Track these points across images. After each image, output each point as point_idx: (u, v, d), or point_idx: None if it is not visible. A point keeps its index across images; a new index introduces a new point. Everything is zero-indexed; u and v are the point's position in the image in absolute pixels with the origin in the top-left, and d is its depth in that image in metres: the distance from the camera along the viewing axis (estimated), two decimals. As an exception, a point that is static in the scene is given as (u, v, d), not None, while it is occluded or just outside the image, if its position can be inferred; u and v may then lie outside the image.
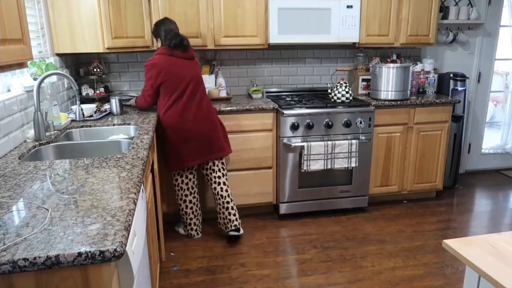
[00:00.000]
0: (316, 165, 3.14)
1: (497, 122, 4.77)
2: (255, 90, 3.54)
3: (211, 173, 2.87)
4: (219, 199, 2.87)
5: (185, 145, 2.72)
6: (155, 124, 2.52)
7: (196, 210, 2.95)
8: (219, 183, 2.87)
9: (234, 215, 2.88)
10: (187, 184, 2.87)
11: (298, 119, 3.11)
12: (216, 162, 2.87)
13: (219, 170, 2.88)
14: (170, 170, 2.84)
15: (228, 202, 2.86)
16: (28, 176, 1.54)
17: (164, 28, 2.71)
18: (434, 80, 3.75)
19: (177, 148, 2.73)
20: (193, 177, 2.89)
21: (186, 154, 2.73)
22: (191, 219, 2.95)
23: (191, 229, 2.98)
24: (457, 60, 4.12)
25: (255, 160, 3.19)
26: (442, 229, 3.16)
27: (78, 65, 3.30)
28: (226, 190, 2.87)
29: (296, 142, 3.14)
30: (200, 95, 2.75)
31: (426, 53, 4.00)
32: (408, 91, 3.41)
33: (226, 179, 2.90)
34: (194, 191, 2.91)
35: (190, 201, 2.90)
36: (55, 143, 2.13)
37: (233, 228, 2.88)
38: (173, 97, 2.67)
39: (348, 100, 3.30)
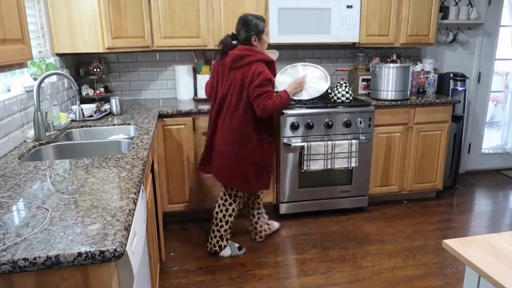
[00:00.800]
0: (316, 165, 3.14)
1: (497, 122, 4.77)
2: (255, 90, 3.53)
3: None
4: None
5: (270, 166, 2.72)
6: (155, 124, 2.52)
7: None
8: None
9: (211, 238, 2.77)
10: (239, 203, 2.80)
11: (298, 119, 3.11)
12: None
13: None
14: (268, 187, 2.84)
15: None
16: (28, 176, 1.54)
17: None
18: (434, 80, 3.76)
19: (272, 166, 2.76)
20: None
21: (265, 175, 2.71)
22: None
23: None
24: (457, 60, 4.12)
25: (255, 160, 3.19)
26: (442, 229, 3.16)
27: (78, 65, 3.30)
28: (216, 213, 2.73)
29: (296, 142, 3.14)
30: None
31: (426, 53, 4.00)
32: (408, 91, 3.41)
33: (222, 203, 2.72)
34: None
35: (235, 217, 2.78)
36: (55, 143, 2.13)
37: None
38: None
39: (348, 100, 3.30)
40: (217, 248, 2.75)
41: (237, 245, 2.81)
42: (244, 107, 2.43)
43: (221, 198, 2.72)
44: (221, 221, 2.70)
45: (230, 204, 2.69)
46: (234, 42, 2.48)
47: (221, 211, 2.70)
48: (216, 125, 2.55)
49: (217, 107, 2.53)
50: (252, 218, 2.92)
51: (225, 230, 2.72)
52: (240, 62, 2.39)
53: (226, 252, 2.77)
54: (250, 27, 2.44)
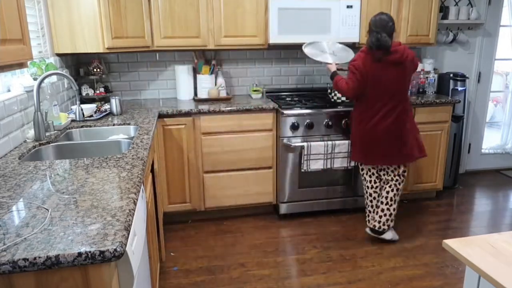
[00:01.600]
0: (316, 165, 3.14)
1: (497, 122, 4.77)
2: (255, 90, 3.54)
3: (384, 175, 2.93)
4: (377, 196, 2.94)
5: (367, 144, 2.81)
6: (155, 124, 2.52)
7: (375, 205, 2.96)
8: (389, 185, 2.90)
9: (380, 217, 2.88)
10: (370, 177, 2.94)
11: (298, 119, 3.11)
12: (391, 167, 2.87)
13: (392, 174, 2.88)
14: (352, 158, 3.00)
15: (381, 203, 2.90)
16: (28, 176, 1.54)
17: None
18: (434, 80, 3.75)
19: (361, 143, 2.85)
20: (377, 172, 2.94)
21: (365, 151, 2.84)
22: (369, 211, 2.99)
23: (368, 221, 3.00)
24: (457, 60, 4.12)
25: (255, 160, 3.19)
26: (442, 229, 3.16)
27: (78, 65, 3.30)
28: (387, 192, 2.86)
29: (296, 142, 3.14)
30: (394, 103, 2.72)
31: (426, 53, 4.00)
32: (408, 91, 3.40)
33: (394, 184, 2.86)
34: (376, 186, 2.94)
35: (370, 194, 2.95)
36: (55, 143, 2.13)
37: (371, 226, 2.93)
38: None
39: (348, 100, 3.30)
40: (385, 227, 2.87)
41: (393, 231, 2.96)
42: None
43: (398, 175, 2.85)
44: (391, 200, 2.84)
45: (400, 184, 2.86)
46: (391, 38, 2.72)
47: (393, 190, 2.84)
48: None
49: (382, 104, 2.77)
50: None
51: (394, 209, 2.87)
52: None
53: (389, 235, 2.91)
54: None
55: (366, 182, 2.97)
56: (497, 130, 4.68)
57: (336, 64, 3.03)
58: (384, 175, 2.91)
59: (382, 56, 2.61)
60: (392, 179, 2.87)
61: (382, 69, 2.65)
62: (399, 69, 2.66)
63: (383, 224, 2.88)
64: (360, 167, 3.01)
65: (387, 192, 2.87)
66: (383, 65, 2.64)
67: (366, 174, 2.96)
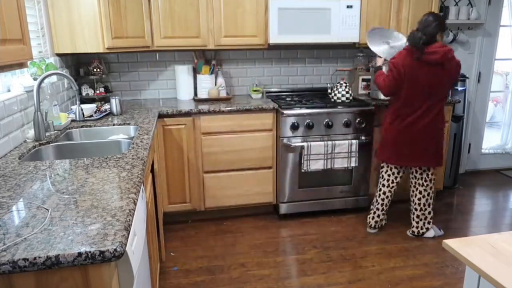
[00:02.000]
0: (316, 165, 3.14)
1: (497, 122, 4.77)
2: (255, 90, 3.54)
3: (412, 178, 2.96)
4: (390, 196, 3.00)
5: (400, 143, 2.82)
6: (155, 124, 2.52)
7: (385, 205, 3.00)
8: (419, 191, 2.93)
9: (417, 222, 2.97)
10: (389, 176, 2.96)
11: (298, 119, 3.11)
12: (420, 170, 2.90)
13: (421, 178, 2.91)
14: (378, 157, 3.02)
15: (415, 210, 2.96)
16: (28, 176, 1.54)
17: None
18: (434, 80, 3.75)
19: (393, 142, 2.85)
20: (398, 174, 2.95)
21: (396, 151, 2.84)
22: (377, 209, 3.01)
23: (372, 217, 3.04)
24: (457, 60, 4.12)
25: (255, 160, 3.19)
26: (442, 229, 3.15)
27: (78, 65, 3.30)
28: (419, 199, 2.91)
29: (296, 142, 3.14)
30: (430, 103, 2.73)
31: (426, 53, 4.00)
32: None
33: (424, 189, 2.90)
34: (392, 187, 2.96)
35: (384, 193, 2.97)
36: (55, 143, 2.13)
37: (409, 231, 3.03)
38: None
39: (348, 100, 3.30)
40: (424, 230, 2.95)
41: (436, 227, 3.03)
42: None
43: (425, 181, 2.89)
44: (424, 205, 2.91)
45: (431, 188, 2.91)
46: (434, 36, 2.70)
47: (424, 196, 2.90)
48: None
49: (418, 103, 2.77)
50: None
51: (429, 212, 2.94)
52: None
53: (430, 233, 2.98)
54: None
55: (383, 180, 2.98)
56: (497, 130, 4.68)
57: (385, 60, 3.02)
58: (412, 178, 2.94)
59: (420, 55, 2.62)
60: (422, 184, 2.89)
61: (420, 68, 2.65)
62: (437, 70, 2.64)
63: (421, 228, 2.96)
64: (381, 164, 3.02)
65: (419, 199, 2.92)
66: (421, 64, 2.65)
67: (386, 172, 2.97)
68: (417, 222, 2.96)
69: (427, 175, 2.88)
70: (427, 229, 2.96)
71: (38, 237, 1.05)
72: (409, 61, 2.66)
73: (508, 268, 1.09)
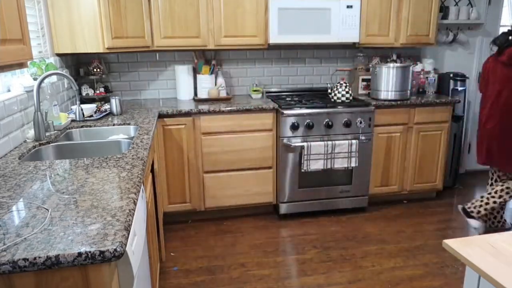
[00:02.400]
0: (316, 165, 3.14)
1: (497, 122, 4.76)
2: (255, 90, 3.54)
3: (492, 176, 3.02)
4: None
5: (478, 143, 2.91)
6: (155, 124, 2.52)
7: (486, 198, 2.93)
8: (501, 182, 2.91)
9: (477, 201, 2.93)
10: (492, 174, 3.01)
11: (298, 119, 3.11)
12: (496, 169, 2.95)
13: (497, 176, 2.96)
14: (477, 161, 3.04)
15: (487, 192, 2.93)
16: (28, 176, 1.54)
17: None
18: (434, 80, 3.75)
19: (477, 143, 2.95)
20: (495, 172, 2.99)
21: (478, 148, 2.92)
22: (477, 201, 2.95)
23: (474, 206, 2.96)
24: (457, 60, 4.12)
25: (255, 160, 3.19)
26: (442, 229, 3.16)
27: (78, 65, 3.30)
28: (497, 186, 2.87)
29: (296, 142, 3.14)
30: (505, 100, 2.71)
31: (426, 53, 4.00)
32: (408, 91, 3.41)
33: (496, 191, 2.87)
34: (491, 184, 3.02)
35: (487, 190, 3.01)
36: (55, 143, 2.13)
37: (464, 205, 3.01)
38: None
39: (348, 100, 3.30)
40: (473, 211, 2.91)
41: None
42: None
43: (496, 185, 2.89)
44: (496, 193, 2.86)
45: (502, 186, 2.89)
46: (510, 37, 2.66)
47: (503, 190, 2.84)
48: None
49: (490, 104, 2.75)
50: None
51: (493, 202, 2.89)
52: None
53: (475, 223, 2.95)
54: None
55: (490, 178, 3.03)
56: (497, 130, 4.67)
57: None
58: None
59: (497, 56, 2.67)
60: (504, 180, 2.90)
61: (493, 68, 2.70)
62: (508, 71, 2.63)
63: (474, 208, 2.92)
64: None
65: (497, 186, 2.89)
66: (495, 65, 2.68)
67: (489, 172, 3.03)
68: (477, 201, 2.92)
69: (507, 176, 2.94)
70: (477, 213, 2.90)
71: (38, 237, 1.05)
72: (488, 62, 2.76)
73: (508, 268, 1.09)
